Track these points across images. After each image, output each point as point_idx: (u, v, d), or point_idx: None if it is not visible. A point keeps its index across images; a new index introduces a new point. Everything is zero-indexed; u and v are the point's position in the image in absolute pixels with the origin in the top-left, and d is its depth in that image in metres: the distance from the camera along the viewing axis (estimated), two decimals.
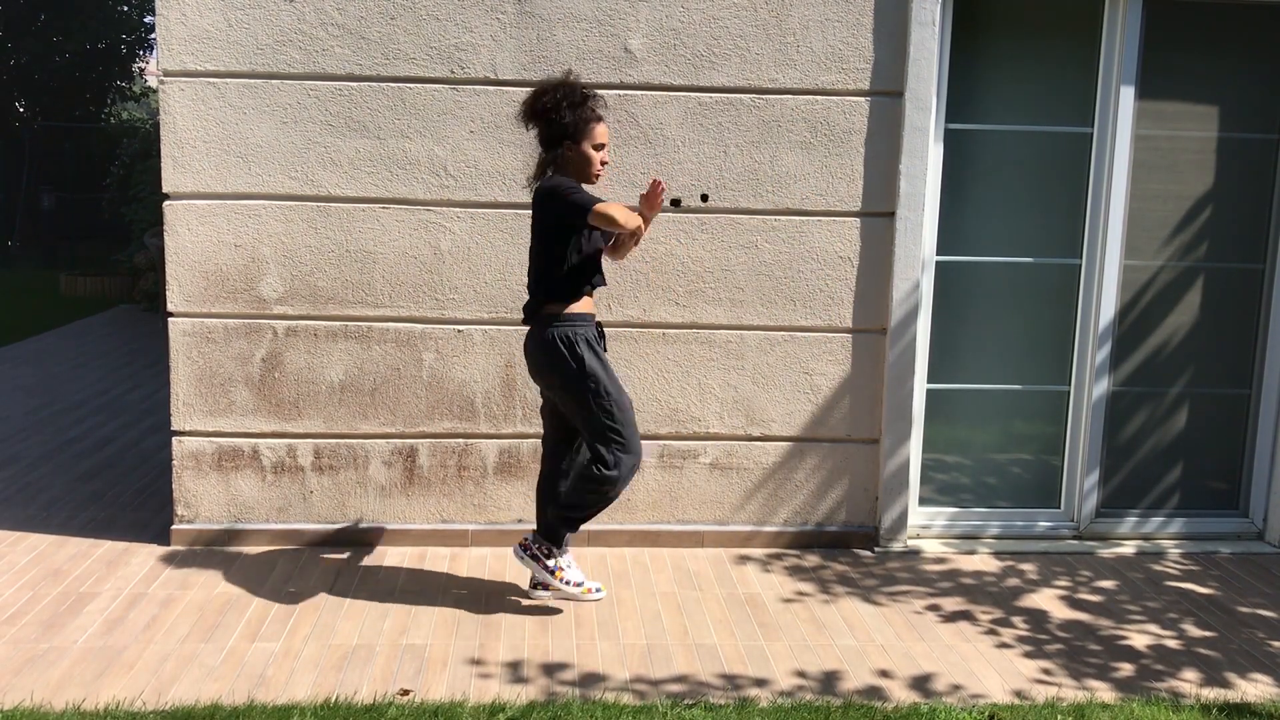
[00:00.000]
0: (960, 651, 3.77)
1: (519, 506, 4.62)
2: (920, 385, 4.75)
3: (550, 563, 3.95)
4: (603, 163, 3.83)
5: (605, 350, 3.91)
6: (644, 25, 4.36)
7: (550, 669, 3.56)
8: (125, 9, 16.53)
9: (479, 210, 4.44)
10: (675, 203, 4.41)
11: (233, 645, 3.68)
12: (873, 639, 3.85)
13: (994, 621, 4.02)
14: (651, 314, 4.54)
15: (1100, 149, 4.67)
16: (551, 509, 3.95)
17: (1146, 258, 4.78)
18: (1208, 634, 3.96)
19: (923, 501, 4.86)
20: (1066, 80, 4.64)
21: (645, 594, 4.19)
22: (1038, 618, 4.06)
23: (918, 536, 4.82)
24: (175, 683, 3.42)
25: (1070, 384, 4.85)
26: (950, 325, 4.77)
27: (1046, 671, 3.64)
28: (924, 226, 4.55)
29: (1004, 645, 3.83)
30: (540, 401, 4.09)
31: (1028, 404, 4.85)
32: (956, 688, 3.51)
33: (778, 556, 4.61)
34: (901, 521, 4.68)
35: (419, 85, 4.36)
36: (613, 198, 4.35)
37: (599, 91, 4.34)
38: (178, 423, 4.50)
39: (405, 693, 3.38)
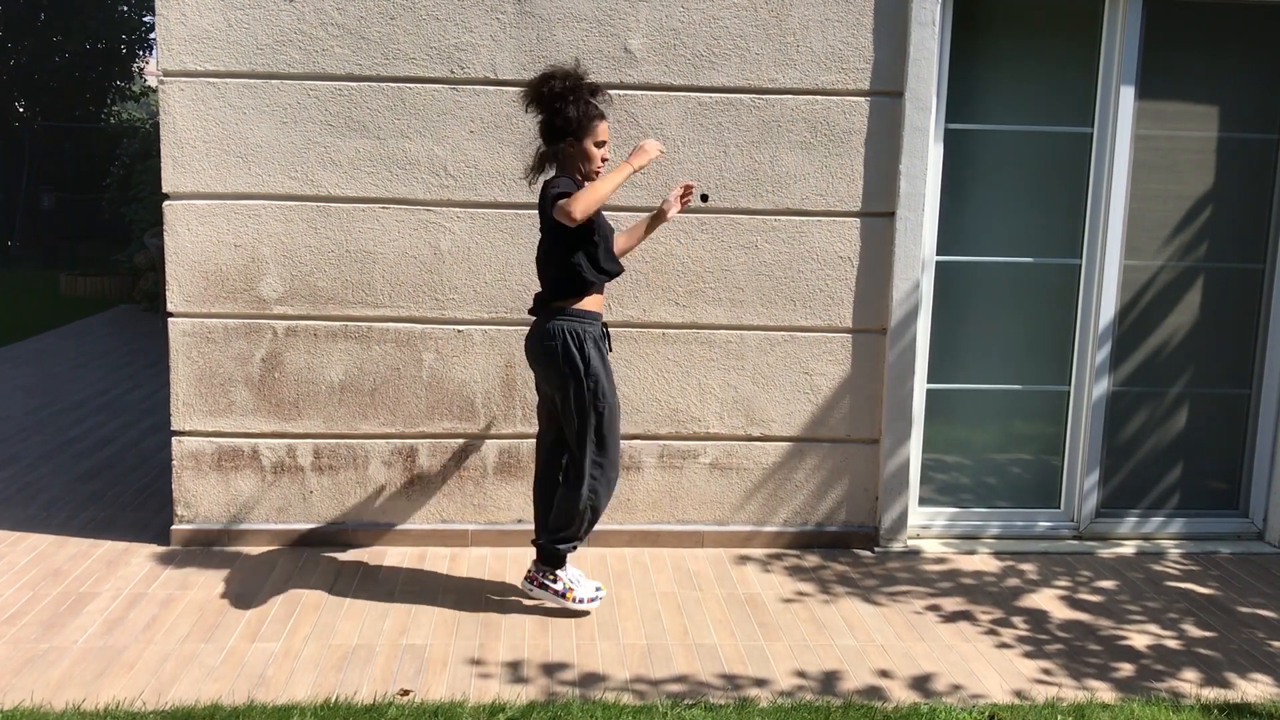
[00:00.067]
0: (960, 651, 3.77)
1: (519, 506, 4.62)
2: (920, 385, 4.75)
3: (559, 586, 3.96)
4: (603, 159, 3.83)
5: (610, 350, 3.91)
6: (644, 25, 4.36)
7: (550, 669, 3.56)
8: (125, 9, 16.53)
9: (479, 210, 4.44)
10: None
11: (233, 645, 3.68)
12: (873, 639, 3.85)
13: (994, 621, 4.02)
14: (651, 314, 4.54)
15: (1100, 149, 4.67)
16: (544, 538, 3.97)
17: (1146, 258, 4.78)
18: (1208, 634, 3.96)
19: (923, 501, 4.86)
20: (1066, 80, 4.64)
21: (645, 594, 4.19)
22: (1038, 618, 4.06)
23: (918, 536, 4.82)
24: (175, 683, 3.42)
25: (1070, 384, 4.85)
26: (950, 325, 4.77)
27: (1046, 671, 3.64)
28: (924, 226, 4.55)
29: (1004, 645, 3.83)
30: (538, 400, 4.10)
31: (1028, 404, 4.85)
32: (956, 688, 3.51)
33: (778, 556, 4.61)
34: (901, 521, 4.68)
35: (419, 85, 4.36)
36: (613, 198, 4.35)
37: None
38: (178, 423, 4.51)
39: (405, 693, 3.38)
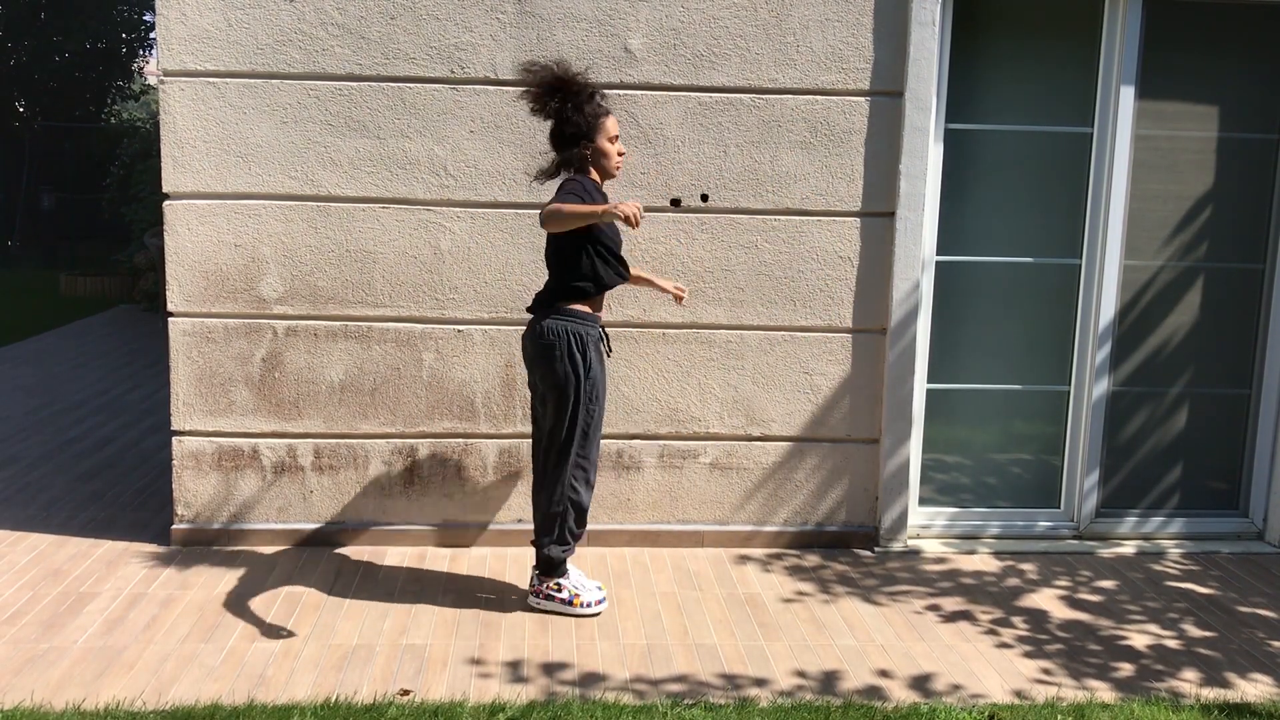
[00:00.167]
0: (960, 651, 3.77)
1: (519, 506, 4.62)
2: (920, 385, 4.75)
3: (564, 595, 3.97)
4: (620, 154, 3.86)
5: (610, 353, 3.93)
6: (644, 25, 4.36)
7: (550, 669, 3.56)
8: (125, 9, 16.53)
9: (479, 210, 4.44)
10: (675, 202, 4.42)
11: (233, 645, 3.68)
12: (873, 639, 3.85)
13: (994, 621, 4.02)
14: (651, 314, 4.54)
15: (1100, 149, 4.67)
16: (540, 548, 3.98)
17: (1146, 258, 4.78)
18: (1208, 634, 3.96)
19: (923, 501, 4.86)
20: (1066, 80, 4.64)
21: (645, 594, 4.19)
22: (1038, 618, 4.06)
23: (918, 536, 4.83)
24: (175, 683, 3.42)
25: (1070, 384, 4.85)
26: (950, 325, 4.77)
27: (1046, 671, 3.64)
28: (924, 226, 4.55)
29: (1004, 645, 3.83)
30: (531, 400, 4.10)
31: (1028, 404, 4.85)
32: (956, 688, 3.52)
33: (778, 556, 4.61)
34: (901, 521, 4.68)
35: (419, 85, 4.36)
36: (614, 198, 4.35)
37: (602, 92, 4.35)
38: (178, 423, 4.51)
39: (405, 693, 3.38)
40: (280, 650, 3.65)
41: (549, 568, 3.98)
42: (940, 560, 4.62)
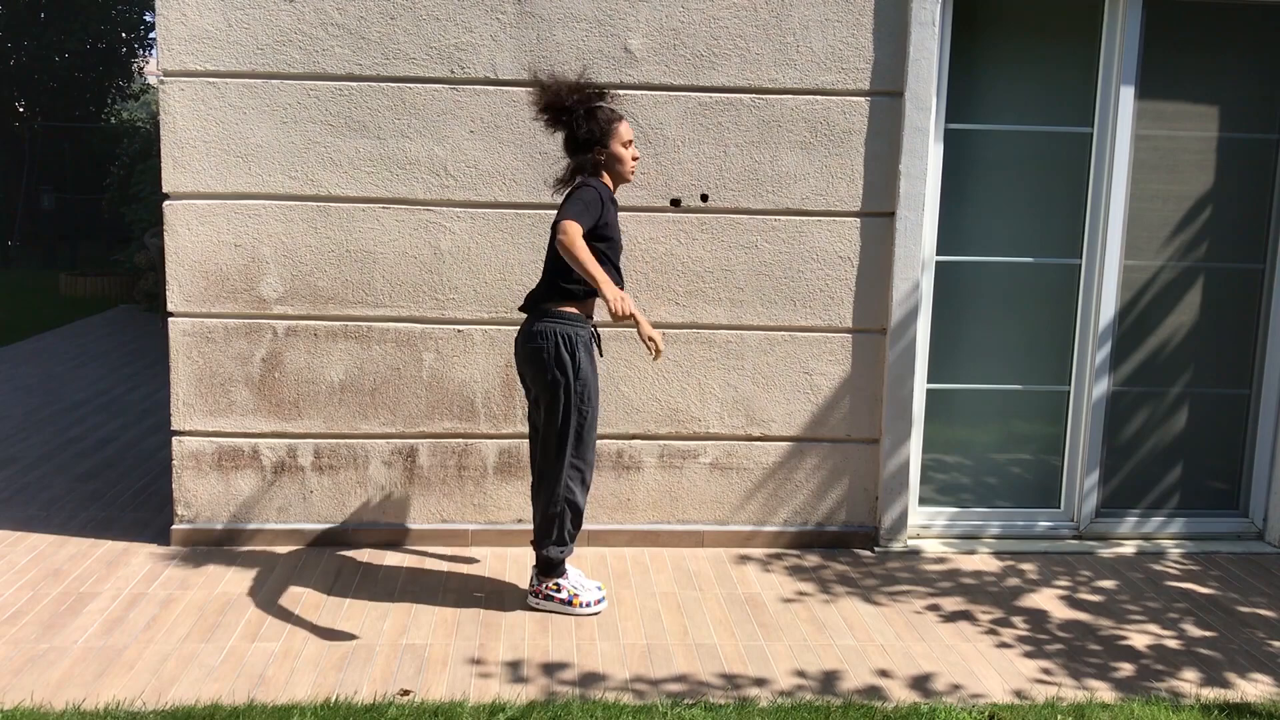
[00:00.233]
0: (960, 651, 3.77)
1: (519, 506, 4.62)
2: (920, 385, 4.75)
3: (564, 595, 3.97)
4: (634, 158, 3.87)
5: (601, 355, 3.93)
6: (644, 25, 4.36)
7: (550, 669, 3.56)
8: (124, 8, 16.53)
9: (479, 210, 4.44)
10: (675, 202, 4.42)
11: (233, 645, 3.68)
12: (873, 639, 3.85)
13: (994, 621, 4.02)
14: (651, 314, 4.54)
15: (1100, 149, 4.67)
16: (538, 549, 3.99)
17: (1146, 258, 4.78)
18: (1208, 634, 3.96)
19: (923, 501, 4.86)
20: (1066, 80, 4.64)
21: (645, 594, 4.19)
22: (1038, 618, 4.06)
23: (918, 536, 4.83)
24: (175, 683, 3.42)
25: (1070, 384, 4.85)
26: (950, 325, 4.77)
27: (1046, 671, 3.64)
28: (924, 226, 4.55)
29: (1004, 645, 3.83)
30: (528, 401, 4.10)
31: (1028, 404, 4.85)
32: (956, 687, 3.52)
33: (778, 556, 4.61)
34: (901, 521, 4.68)
35: (419, 85, 4.36)
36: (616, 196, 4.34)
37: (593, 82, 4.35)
38: (178, 423, 4.51)
39: (405, 693, 3.38)
40: (280, 650, 3.65)
41: (548, 568, 3.98)
42: (940, 560, 4.62)
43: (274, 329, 4.47)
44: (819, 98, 4.44)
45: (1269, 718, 3.35)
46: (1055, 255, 4.75)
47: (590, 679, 3.51)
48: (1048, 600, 4.22)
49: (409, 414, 4.54)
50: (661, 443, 4.62)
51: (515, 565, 4.42)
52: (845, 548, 4.71)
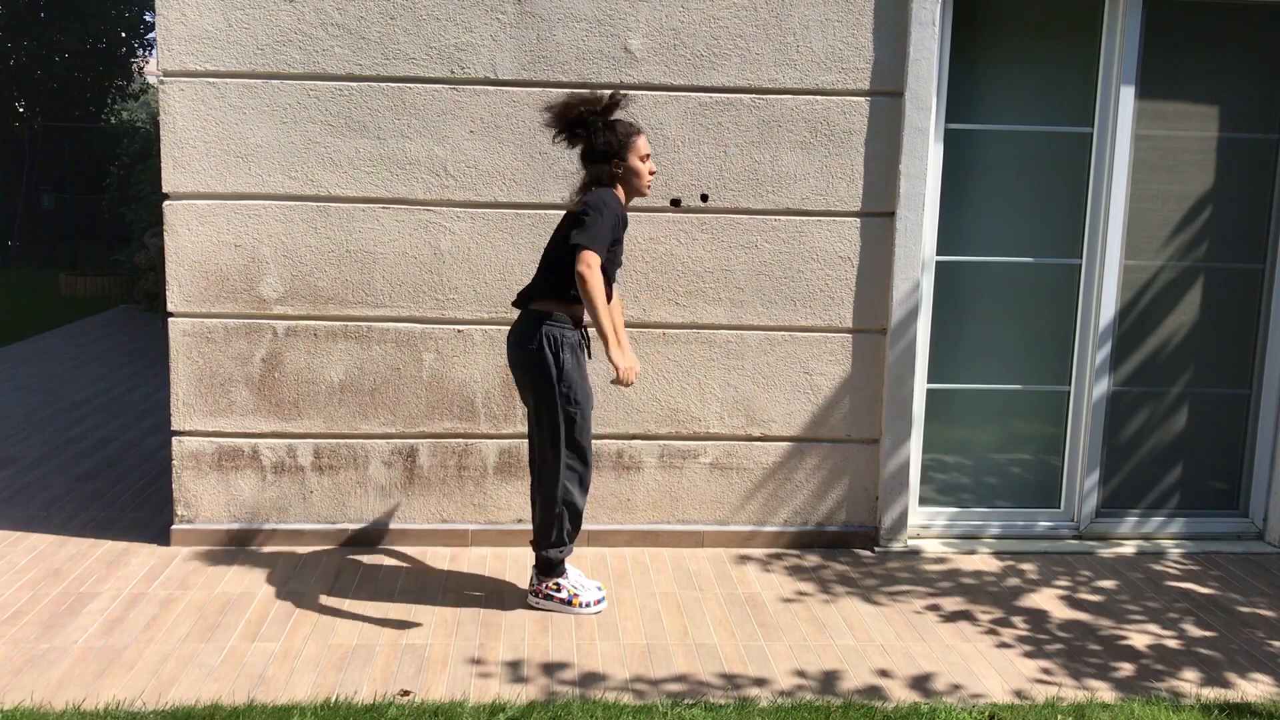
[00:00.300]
0: (960, 651, 3.77)
1: (519, 506, 4.62)
2: (920, 385, 4.75)
3: (563, 595, 3.98)
4: (651, 172, 3.87)
5: (590, 357, 3.93)
6: (644, 25, 4.36)
7: (550, 669, 3.56)
8: (124, 8, 16.53)
9: (479, 210, 4.44)
10: (675, 202, 4.42)
11: (233, 645, 3.68)
12: (873, 639, 3.85)
13: (994, 621, 4.02)
14: (651, 314, 4.54)
15: (1100, 149, 4.67)
16: (538, 550, 3.99)
17: (1146, 258, 4.78)
18: (1208, 634, 3.96)
19: (923, 501, 4.86)
20: (1066, 80, 4.64)
21: (645, 594, 4.19)
22: (1038, 618, 4.06)
23: (918, 536, 4.83)
24: (175, 683, 3.42)
25: (1070, 384, 4.85)
26: (950, 325, 4.77)
27: (1046, 671, 3.64)
28: (924, 226, 4.55)
29: (1004, 645, 3.83)
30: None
31: (1028, 404, 4.85)
32: (956, 687, 3.52)
33: (778, 556, 4.61)
34: (901, 521, 4.68)
35: (419, 85, 4.36)
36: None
37: (602, 92, 4.35)
38: (178, 423, 4.51)
39: (405, 693, 3.38)
40: (280, 650, 3.65)
41: (547, 569, 3.98)
42: (940, 560, 4.62)
43: (274, 329, 4.47)
44: (819, 98, 4.44)
45: (1269, 718, 3.35)
46: (1055, 255, 4.75)
47: (590, 679, 3.51)
48: (1048, 600, 4.22)
49: (409, 414, 4.54)
50: (661, 443, 4.62)
51: (515, 565, 4.42)
52: (845, 548, 4.71)
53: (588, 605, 3.97)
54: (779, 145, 4.46)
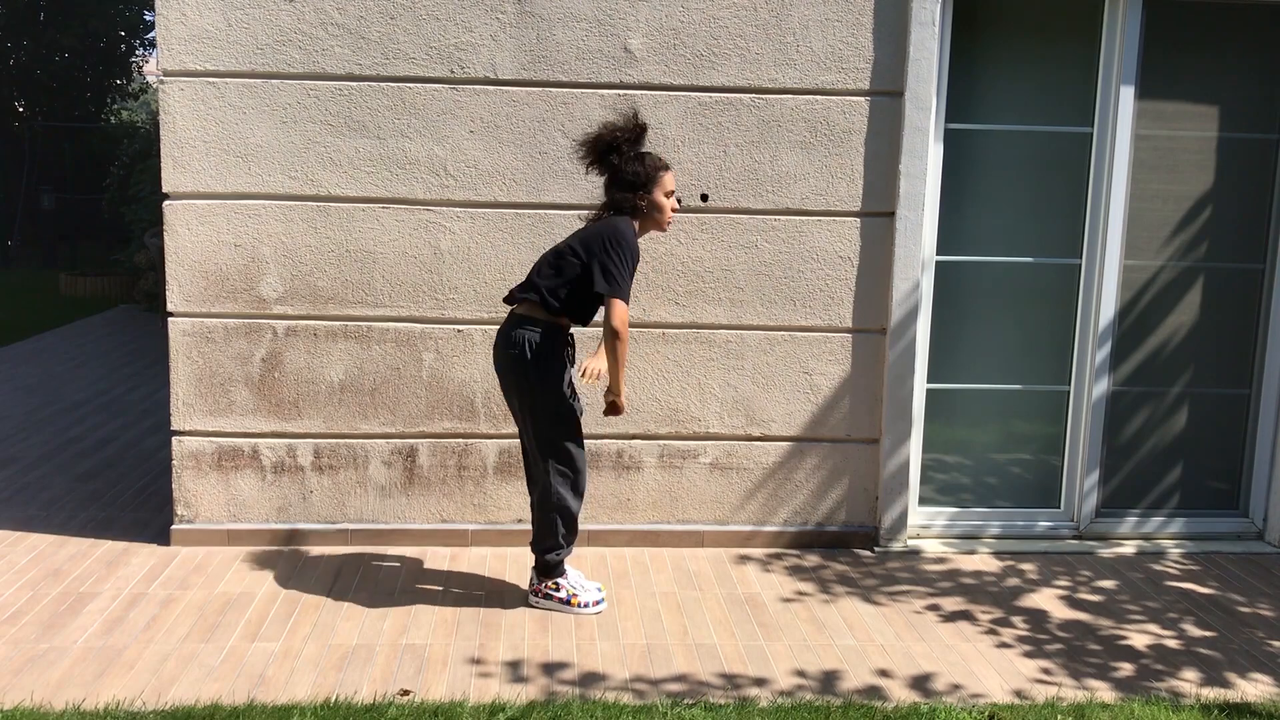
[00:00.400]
0: (960, 651, 3.77)
1: (519, 506, 4.62)
2: (920, 385, 4.75)
3: (562, 595, 3.98)
4: (673, 209, 3.88)
5: (573, 364, 3.92)
6: (644, 25, 4.36)
7: (550, 669, 3.56)
8: (124, 7, 16.52)
9: (479, 210, 4.44)
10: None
11: (233, 645, 3.68)
12: (873, 639, 3.85)
13: (994, 621, 4.02)
14: (651, 314, 4.54)
15: (1100, 149, 4.67)
16: (535, 553, 3.99)
17: (1146, 258, 4.78)
18: (1208, 634, 3.96)
19: (923, 501, 4.86)
20: (1066, 80, 4.64)
21: (645, 594, 4.19)
22: (1038, 617, 4.06)
23: (918, 536, 4.83)
24: (175, 683, 3.42)
25: (1070, 384, 4.85)
26: (950, 325, 4.77)
27: (1046, 671, 3.64)
28: (924, 226, 4.55)
29: (1004, 645, 3.83)
30: None
31: (1028, 404, 4.85)
32: (956, 687, 3.52)
33: (778, 556, 4.61)
34: (901, 521, 4.68)
35: (419, 85, 4.36)
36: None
37: (602, 92, 4.36)
38: (178, 422, 4.51)
39: (405, 693, 3.38)
40: (280, 650, 3.65)
41: (546, 570, 3.99)
42: (940, 560, 4.62)
43: (274, 329, 4.47)
44: (819, 98, 4.44)
45: (1269, 718, 3.35)
46: (1055, 255, 4.75)
47: (590, 679, 3.51)
48: (1048, 600, 4.22)
49: (409, 414, 4.54)
50: (661, 443, 4.62)
51: (515, 565, 4.43)
52: (845, 548, 4.71)
53: (586, 605, 3.97)
54: (779, 145, 4.46)
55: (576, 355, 4.28)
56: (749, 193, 4.48)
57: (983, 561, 4.62)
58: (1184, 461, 4.93)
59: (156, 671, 3.49)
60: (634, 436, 4.60)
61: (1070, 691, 3.50)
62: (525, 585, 4.21)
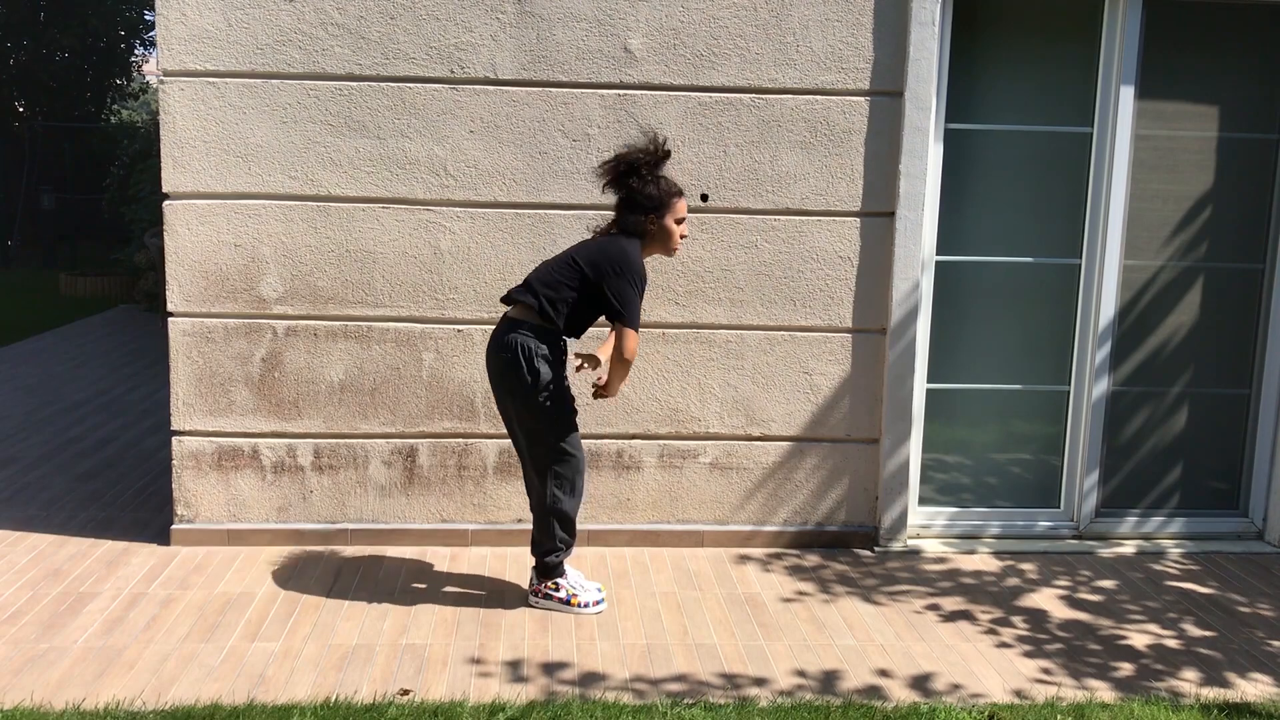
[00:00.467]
0: (960, 651, 3.77)
1: (519, 506, 4.62)
2: (920, 385, 4.75)
3: (562, 595, 3.99)
4: (681, 235, 3.89)
5: (565, 366, 3.92)
6: (644, 25, 4.36)
7: (550, 668, 3.56)
8: (125, 7, 16.52)
9: (479, 210, 4.44)
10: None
11: (233, 645, 3.68)
12: (873, 639, 3.85)
13: (994, 621, 4.02)
14: (651, 314, 4.54)
15: (1100, 149, 4.67)
16: (535, 554, 4.00)
17: (1146, 258, 4.78)
18: (1208, 634, 3.96)
19: (923, 501, 4.86)
20: (1066, 80, 4.64)
21: (645, 594, 4.19)
22: (1038, 617, 4.06)
23: (918, 536, 4.83)
24: (175, 683, 3.42)
25: (1070, 384, 4.85)
26: (950, 325, 4.77)
27: (1046, 671, 3.64)
28: (924, 226, 4.55)
29: (1004, 645, 3.83)
30: None
31: (1028, 404, 4.85)
32: (956, 687, 3.52)
33: (778, 556, 4.61)
34: (901, 521, 4.68)
35: (419, 85, 4.36)
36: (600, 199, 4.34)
37: (601, 92, 4.36)
38: (178, 422, 4.51)
39: (405, 692, 3.38)
40: (280, 650, 3.65)
41: (545, 571, 3.99)
42: (940, 560, 4.62)
43: (274, 329, 4.47)
44: (819, 98, 4.44)
45: (1269, 718, 3.35)
46: (1055, 255, 4.75)
47: (590, 679, 3.51)
48: (1047, 600, 4.22)
49: (409, 414, 4.54)
50: (661, 442, 4.62)
51: (515, 565, 4.43)
52: (845, 548, 4.71)
53: (586, 605, 3.97)
54: (779, 145, 4.46)
55: (569, 357, 4.28)
56: (749, 193, 4.48)
57: (983, 561, 4.62)
58: (1184, 461, 4.93)
59: (156, 671, 3.49)
60: (634, 436, 4.61)
61: (1070, 691, 3.50)
62: (525, 585, 4.21)
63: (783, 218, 4.51)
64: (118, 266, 12.74)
